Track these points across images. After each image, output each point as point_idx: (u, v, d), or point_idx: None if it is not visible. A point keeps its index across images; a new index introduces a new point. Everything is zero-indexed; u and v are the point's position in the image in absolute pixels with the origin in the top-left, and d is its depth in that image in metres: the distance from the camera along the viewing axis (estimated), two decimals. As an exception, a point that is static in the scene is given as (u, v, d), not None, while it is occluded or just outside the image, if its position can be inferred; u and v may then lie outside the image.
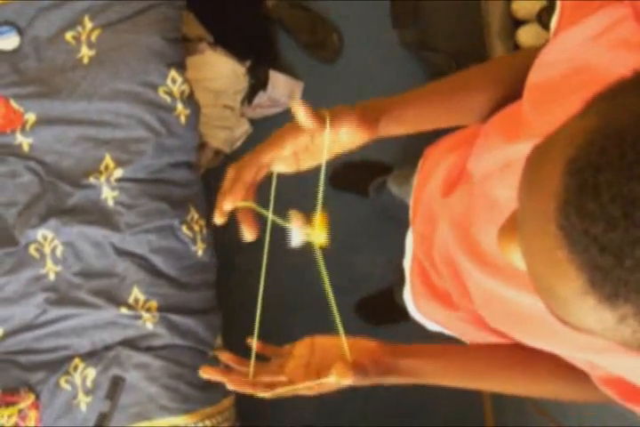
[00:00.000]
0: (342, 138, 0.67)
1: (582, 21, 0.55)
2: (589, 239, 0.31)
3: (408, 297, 1.06)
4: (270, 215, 0.67)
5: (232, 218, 0.68)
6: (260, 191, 0.69)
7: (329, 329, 0.79)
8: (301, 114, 0.64)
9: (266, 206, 0.69)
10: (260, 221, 0.69)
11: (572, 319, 0.36)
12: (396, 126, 0.71)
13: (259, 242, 0.72)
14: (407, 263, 1.06)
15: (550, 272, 0.35)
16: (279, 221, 0.68)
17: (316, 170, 0.71)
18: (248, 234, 0.66)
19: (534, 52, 0.64)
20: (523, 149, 0.59)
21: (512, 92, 0.70)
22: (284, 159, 0.67)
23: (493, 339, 0.82)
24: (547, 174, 0.35)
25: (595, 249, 0.31)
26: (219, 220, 0.65)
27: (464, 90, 0.76)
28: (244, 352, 0.76)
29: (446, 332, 1.02)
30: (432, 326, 1.06)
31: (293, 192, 0.70)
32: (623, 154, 0.31)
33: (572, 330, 0.37)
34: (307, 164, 0.69)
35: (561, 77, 0.57)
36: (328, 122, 0.65)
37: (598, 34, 0.54)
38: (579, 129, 0.34)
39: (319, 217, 0.69)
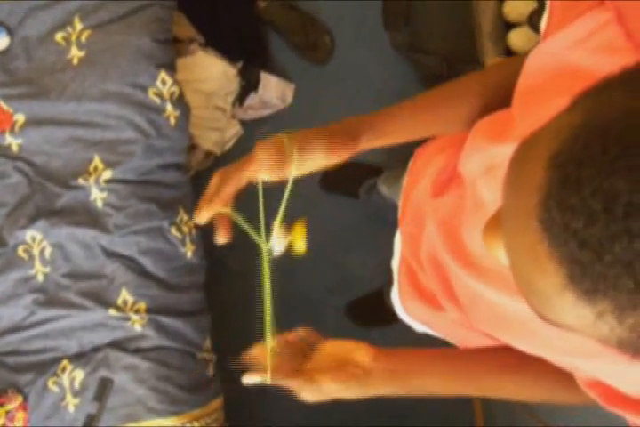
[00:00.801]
0: (317, 161, 0.68)
1: (567, 26, 0.55)
2: (569, 233, 0.31)
3: (396, 297, 1.06)
4: (262, 220, 0.69)
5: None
6: (251, 193, 0.70)
7: (320, 330, 0.80)
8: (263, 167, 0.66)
9: (256, 205, 0.70)
10: (254, 224, 0.71)
11: (552, 315, 0.36)
12: (382, 139, 0.72)
13: (249, 244, 0.72)
14: (395, 264, 1.06)
15: (531, 267, 0.35)
16: (248, 227, 0.70)
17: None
18: (221, 237, 0.69)
19: (524, 58, 0.64)
20: (506, 151, 0.59)
21: (502, 100, 0.70)
22: (267, 169, 0.68)
23: (479, 340, 0.82)
24: (530, 168, 0.35)
25: (574, 243, 0.31)
26: (200, 220, 0.68)
27: (451, 99, 0.76)
28: (234, 353, 0.76)
29: (433, 333, 1.02)
30: (419, 326, 1.06)
31: (282, 193, 0.70)
32: (606, 149, 0.31)
33: (552, 327, 0.37)
34: (290, 173, 0.70)
35: (546, 81, 0.57)
36: (295, 156, 0.67)
37: (583, 38, 0.54)
38: (564, 124, 0.34)
39: (298, 226, 0.72)
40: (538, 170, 0.34)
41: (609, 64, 0.51)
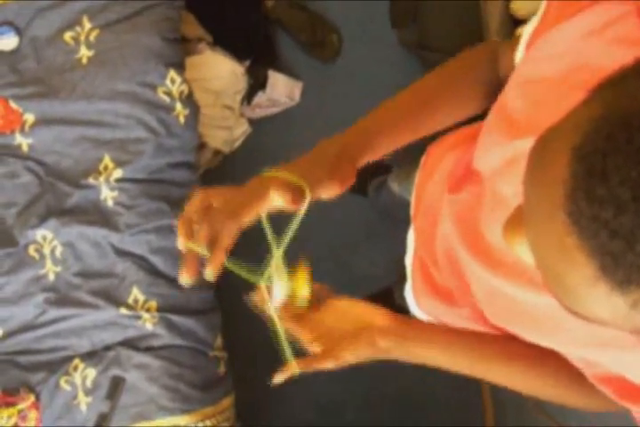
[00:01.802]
0: (329, 194, 0.71)
1: (576, 16, 0.55)
2: (599, 224, 0.31)
3: (409, 294, 1.06)
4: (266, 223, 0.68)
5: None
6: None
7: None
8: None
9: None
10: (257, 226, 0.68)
11: (583, 309, 0.35)
12: (381, 153, 0.74)
13: (260, 241, 0.72)
14: (409, 260, 1.06)
15: (559, 261, 0.34)
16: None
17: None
18: (185, 277, 0.65)
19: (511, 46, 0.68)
20: (526, 145, 0.59)
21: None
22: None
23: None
24: (553, 163, 0.34)
25: (605, 234, 0.31)
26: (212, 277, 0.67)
27: (450, 94, 0.77)
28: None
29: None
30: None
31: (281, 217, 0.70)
32: (630, 138, 0.31)
33: (580, 320, 0.37)
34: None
35: (560, 75, 0.57)
36: (308, 195, 0.66)
37: (598, 29, 0.53)
38: (583, 117, 0.34)
39: (300, 270, 0.69)
40: (561, 164, 0.34)
41: (625, 56, 0.50)
